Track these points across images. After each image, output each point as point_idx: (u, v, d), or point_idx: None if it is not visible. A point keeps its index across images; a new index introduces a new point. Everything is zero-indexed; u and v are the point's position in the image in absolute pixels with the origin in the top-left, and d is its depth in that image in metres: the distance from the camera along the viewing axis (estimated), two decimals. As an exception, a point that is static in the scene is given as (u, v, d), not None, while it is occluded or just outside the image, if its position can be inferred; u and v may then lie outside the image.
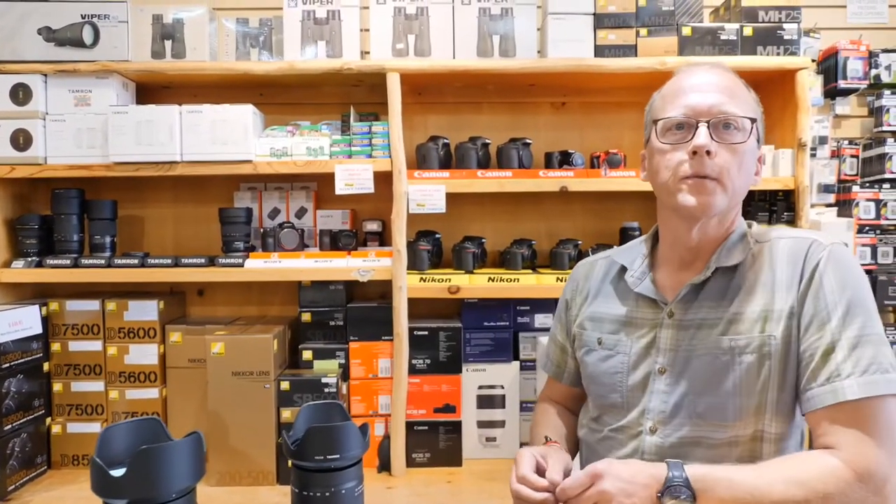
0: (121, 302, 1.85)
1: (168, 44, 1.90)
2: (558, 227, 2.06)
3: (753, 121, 0.94)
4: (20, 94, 1.80)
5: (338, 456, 0.75)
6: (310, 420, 0.80)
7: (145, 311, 1.86)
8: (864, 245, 2.06)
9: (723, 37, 1.84)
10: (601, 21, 1.86)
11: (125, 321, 1.86)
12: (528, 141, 1.91)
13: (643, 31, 1.85)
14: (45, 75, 1.82)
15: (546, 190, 1.82)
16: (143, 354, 1.86)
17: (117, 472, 0.61)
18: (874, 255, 2.07)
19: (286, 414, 1.77)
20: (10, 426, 1.68)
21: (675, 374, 0.95)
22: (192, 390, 1.82)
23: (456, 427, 1.85)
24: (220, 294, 2.09)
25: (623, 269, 1.07)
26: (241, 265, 1.83)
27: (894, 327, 2.08)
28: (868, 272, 2.07)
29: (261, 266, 1.84)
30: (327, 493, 0.75)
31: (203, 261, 1.85)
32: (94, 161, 1.81)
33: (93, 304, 1.86)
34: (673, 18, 1.86)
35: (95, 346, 1.86)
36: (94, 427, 1.84)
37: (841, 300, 0.88)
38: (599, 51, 1.86)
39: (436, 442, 1.85)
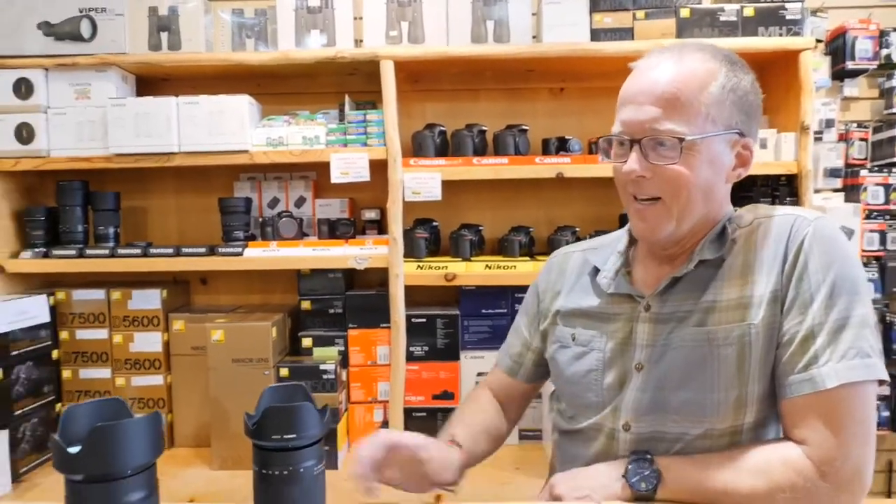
0: (125, 291, 1.90)
1: (164, 36, 1.91)
2: (557, 213, 2.05)
3: (681, 140, 0.85)
4: (22, 89, 1.83)
5: (294, 436, 0.76)
6: (272, 401, 0.82)
7: (149, 300, 1.90)
8: (872, 231, 2.01)
9: (722, 18, 1.80)
10: (597, 4, 1.82)
11: (129, 310, 1.90)
12: (524, 127, 1.90)
13: (640, 14, 1.82)
14: (46, 69, 1.85)
15: (542, 176, 1.81)
16: (148, 342, 1.90)
17: (74, 449, 0.64)
18: (883, 240, 2.01)
19: (285, 400, 1.80)
20: (20, 411, 1.73)
21: (652, 369, 0.92)
22: (196, 377, 1.86)
23: (453, 413, 1.87)
24: (223, 283, 2.12)
25: (600, 267, 1.03)
26: (241, 254, 1.86)
27: (902, 314, 2.05)
28: (877, 259, 2.03)
29: (260, 255, 1.86)
30: (285, 472, 0.77)
31: (203, 250, 1.87)
32: (94, 153, 1.84)
33: (98, 294, 1.91)
34: (671, 0, 1.82)
35: (101, 334, 1.91)
36: (102, 413, 1.89)
37: (825, 280, 0.83)
38: (595, 35, 1.83)
39: (434, 428, 1.84)
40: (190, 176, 2.09)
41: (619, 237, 1.06)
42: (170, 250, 1.87)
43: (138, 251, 1.87)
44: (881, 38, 2.00)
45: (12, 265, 1.87)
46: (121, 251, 1.87)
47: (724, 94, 0.88)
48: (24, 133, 1.83)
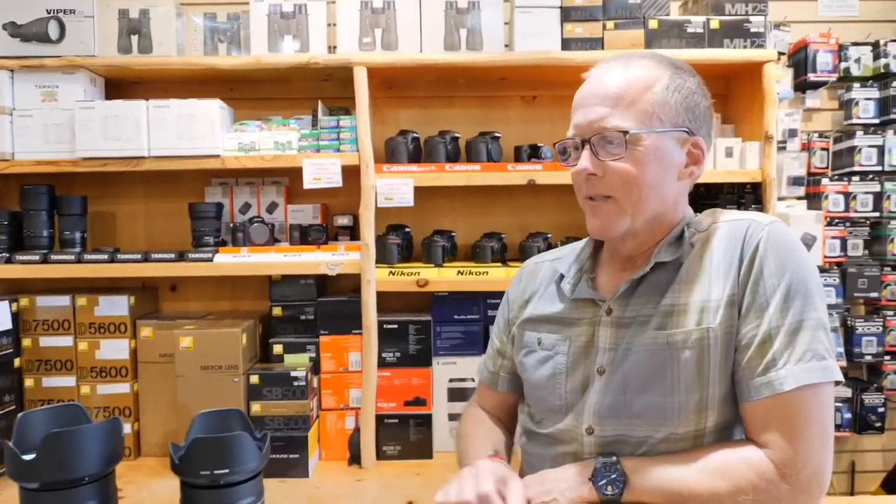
0: (91, 297, 1.86)
1: (135, 39, 1.89)
2: (529, 220, 2.07)
3: (625, 133, 0.89)
4: (-14, 90, 1.79)
5: (227, 470, 0.67)
6: (202, 430, 0.77)
7: (116, 307, 1.86)
8: (833, 237, 2.07)
9: (689, 30, 1.85)
10: (568, 14, 1.85)
11: (96, 316, 1.86)
12: (496, 134, 1.91)
13: (610, 25, 1.85)
14: (12, 71, 1.82)
15: (514, 183, 1.83)
16: (115, 349, 1.86)
17: (28, 457, 0.62)
18: (844, 247, 2.08)
19: (256, 407, 1.78)
20: (-21, 421, 1.68)
21: (613, 373, 0.93)
22: (164, 385, 1.83)
23: (426, 420, 1.86)
24: (193, 289, 2.09)
25: (564, 274, 1.05)
26: (211, 260, 1.83)
27: (864, 319, 2.10)
28: (838, 264, 2.09)
29: (230, 261, 1.84)
30: (218, 513, 0.66)
31: (172, 256, 1.85)
32: (61, 157, 1.80)
33: (63, 300, 1.86)
34: (640, 11, 1.86)
35: (66, 341, 1.86)
36: (66, 422, 1.85)
37: (780, 284, 0.85)
38: (566, 44, 1.85)
39: (406, 435, 1.86)
40: (160, 181, 2.06)
41: (584, 244, 1.08)
42: (138, 256, 1.84)
43: (105, 256, 1.84)
44: (840, 51, 2.07)
45: (-27, 271, 1.82)
46: (87, 256, 1.84)
47: (668, 94, 0.92)
48: (-13, 135, 1.79)
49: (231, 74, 1.91)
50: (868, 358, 2.09)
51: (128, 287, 1.99)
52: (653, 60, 0.94)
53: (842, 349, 2.07)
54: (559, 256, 1.11)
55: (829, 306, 2.04)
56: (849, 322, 2.09)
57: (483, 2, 1.87)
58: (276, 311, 1.91)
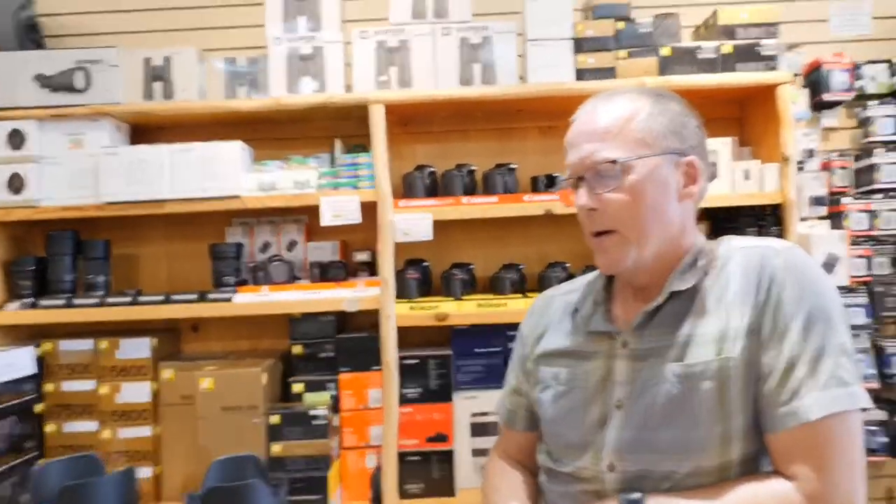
0: (112, 340, 1.86)
1: (158, 85, 1.95)
2: (547, 250, 2.05)
3: (613, 162, 0.90)
4: (15, 139, 1.85)
5: None
6: (219, 478, 0.75)
7: (138, 349, 1.87)
8: (858, 257, 2.02)
9: (701, 55, 1.85)
10: (580, 45, 1.88)
11: (117, 359, 1.86)
12: (512, 166, 1.92)
13: (622, 54, 1.87)
14: (40, 120, 1.87)
15: (531, 214, 1.82)
16: (136, 392, 1.85)
17: None
18: (869, 266, 2.03)
19: (276, 448, 1.75)
20: (1, 468, 1.67)
21: (632, 407, 0.91)
22: (186, 427, 1.81)
23: (448, 456, 1.82)
24: (214, 329, 2.10)
25: (578, 306, 1.04)
26: (230, 300, 1.84)
27: (894, 339, 2.03)
28: (864, 284, 2.03)
29: (250, 300, 1.84)
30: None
31: (193, 296, 1.85)
32: (85, 202, 1.84)
33: (86, 344, 1.87)
34: (651, 39, 1.88)
35: (88, 385, 1.86)
36: (87, 467, 1.83)
37: (800, 311, 0.84)
38: (580, 74, 1.87)
39: (429, 472, 1.82)
40: (182, 222, 2.09)
41: (597, 275, 1.07)
42: (159, 297, 1.86)
43: (127, 299, 1.86)
44: (855, 70, 2.07)
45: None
46: (109, 299, 1.85)
47: (652, 120, 0.93)
48: (16, 183, 1.84)
49: (251, 116, 1.95)
50: (901, 378, 2.01)
51: (151, 329, 2.00)
52: (633, 93, 0.97)
53: (874, 371, 2.00)
54: (572, 289, 1.11)
55: (858, 327, 1.99)
56: (878, 343, 2.02)
57: (496, 36, 1.90)
58: (297, 349, 1.90)
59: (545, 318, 1.10)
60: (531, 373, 1.07)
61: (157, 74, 1.94)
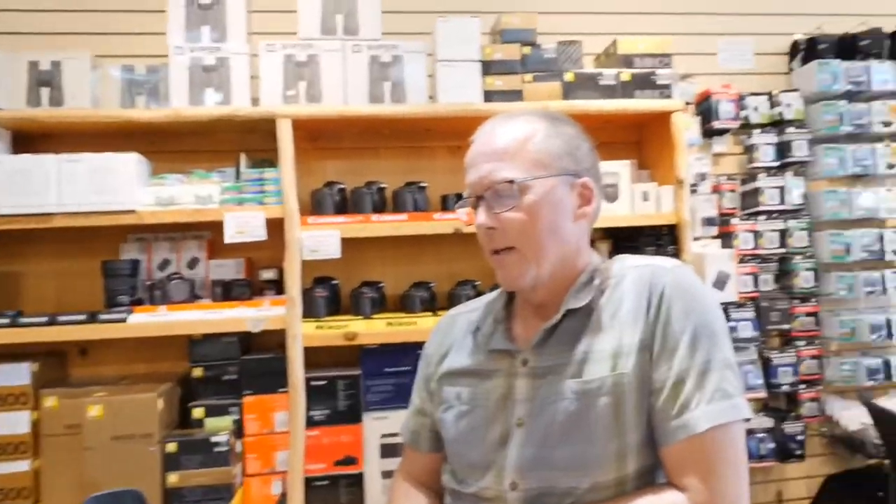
0: (-14, 366, 1.71)
1: (45, 91, 1.82)
2: (457, 268, 2.07)
3: (511, 182, 0.92)
4: None
5: None
6: None
7: (15, 375, 1.72)
8: (745, 274, 2.17)
9: (602, 82, 1.94)
10: (488, 68, 1.92)
11: (-8, 387, 1.71)
12: (423, 184, 1.93)
13: (528, 77, 1.93)
14: None
15: (441, 232, 1.83)
16: (13, 423, 1.70)
17: None
18: (756, 282, 2.18)
19: (173, 479, 1.65)
20: None
21: (532, 424, 0.92)
22: (70, 460, 1.68)
23: (357, 479, 1.78)
24: (106, 352, 1.96)
25: (479, 325, 1.05)
26: (124, 320, 1.73)
27: (779, 351, 2.20)
28: (752, 299, 2.18)
29: (146, 320, 1.74)
30: None
31: (83, 317, 1.73)
32: (-44, 215, 1.68)
33: (-46, 371, 1.71)
34: (556, 65, 1.95)
35: (-43, 417, 1.69)
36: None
37: (687, 328, 0.88)
38: (488, 96, 1.92)
39: (337, 497, 1.77)
40: (72, 238, 1.95)
41: (498, 295, 1.08)
42: (43, 319, 1.72)
43: (6, 321, 1.71)
44: (740, 101, 2.23)
45: None
46: (-18, 321, 1.70)
47: (549, 142, 0.96)
48: None
49: (150, 128, 1.85)
50: (785, 388, 2.17)
51: (32, 353, 1.84)
52: (531, 115, 0.99)
53: (761, 381, 2.15)
54: (475, 308, 1.11)
55: (746, 340, 2.13)
56: (765, 354, 2.18)
57: (406, 55, 1.91)
58: (197, 371, 1.81)
59: (449, 337, 1.09)
60: (434, 392, 1.06)
61: (44, 79, 1.82)
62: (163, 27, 1.89)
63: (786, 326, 2.20)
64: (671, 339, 0.88)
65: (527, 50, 1.94)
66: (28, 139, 1.91)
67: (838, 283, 2.24)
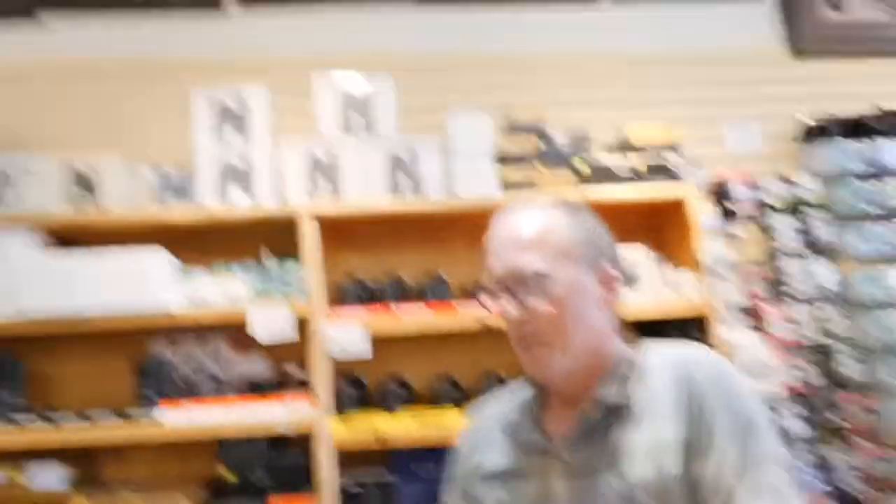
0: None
1: (82, 193, 1.90)
2: (483, 360, 2.05)
3: (541, 274, 0.91)
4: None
5: None
6: None
7: (52, 479, 1.73)
8: (784, 363, 2.06)
9: (616, 170, 1.99)
10: (503, 160, 1.98)
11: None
12: (444, 277, 1.96)
13: (543, 169, 1.98)
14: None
15: (464, 324, 1.85)
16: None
17: None
18: (797, 372, 2.07)
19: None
20: None
21: None
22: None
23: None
24: (135, 452, 1.95)
25: (510, 421, 1.03)
26: (153, 418, 1.75)
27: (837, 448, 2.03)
28: (796, 392, 2.06)
29: (175, 419, 1.76)
30: None
31: (115, 418, 1.75)
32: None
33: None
34: (569, 155, 2.01)
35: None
36: None
37: (726, 421, 0.86)
38: (504, 187, 1.97)
39: None
40: (101, 336, 1.98)
41: (525, 387, 1.05)
42: (77, 420, 1.74)
43: (42, 422, 1.73)
44: (755, 185, 2.24)
45: None
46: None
47: (571, 231, 0.96)
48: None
49: (179, 227, 1.91)
50: (850, 490, 1.98)
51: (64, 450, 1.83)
52: (549, 205, 1.00)
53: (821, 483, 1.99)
54: (503, 399, 1.09)
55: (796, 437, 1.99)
56: (820, 452, 2.03)
57: (424, 151, 1.98)
58: (224, 472, 1.80)
59: (479, 434, 1.06)
60: (470, 495, 1.03)
61: (81, 182, 1.90)
62: (186, 128, 1.96)
63: (839, 420, 2.04)
64: (712, 435, 0.87)
65: (540, 142, 2.00)
66: (64, 241, 1.98)
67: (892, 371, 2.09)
